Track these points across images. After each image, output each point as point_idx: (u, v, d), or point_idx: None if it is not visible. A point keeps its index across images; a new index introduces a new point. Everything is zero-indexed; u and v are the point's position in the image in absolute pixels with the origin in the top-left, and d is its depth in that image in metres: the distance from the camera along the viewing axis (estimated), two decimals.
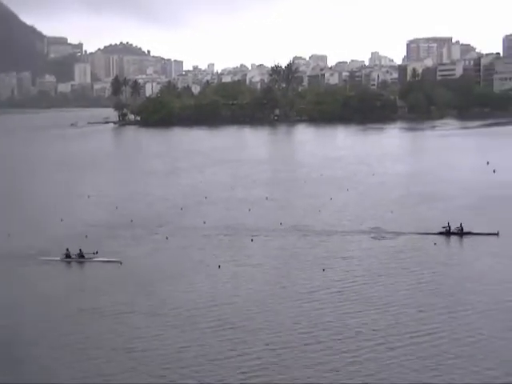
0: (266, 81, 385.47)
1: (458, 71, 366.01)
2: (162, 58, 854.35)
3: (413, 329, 37.21)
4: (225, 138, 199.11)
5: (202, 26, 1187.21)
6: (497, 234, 59.13)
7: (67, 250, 54.12)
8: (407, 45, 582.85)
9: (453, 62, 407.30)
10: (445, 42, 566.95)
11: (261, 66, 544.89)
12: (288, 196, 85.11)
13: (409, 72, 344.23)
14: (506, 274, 47.95)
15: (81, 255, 53.72)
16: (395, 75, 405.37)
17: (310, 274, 48.62)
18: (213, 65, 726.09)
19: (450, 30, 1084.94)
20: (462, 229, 60.03)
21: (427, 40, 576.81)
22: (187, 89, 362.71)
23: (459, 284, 45.54)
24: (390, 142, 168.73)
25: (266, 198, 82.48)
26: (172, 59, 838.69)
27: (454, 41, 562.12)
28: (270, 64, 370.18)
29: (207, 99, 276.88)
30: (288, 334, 36.83)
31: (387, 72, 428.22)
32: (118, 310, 41.79)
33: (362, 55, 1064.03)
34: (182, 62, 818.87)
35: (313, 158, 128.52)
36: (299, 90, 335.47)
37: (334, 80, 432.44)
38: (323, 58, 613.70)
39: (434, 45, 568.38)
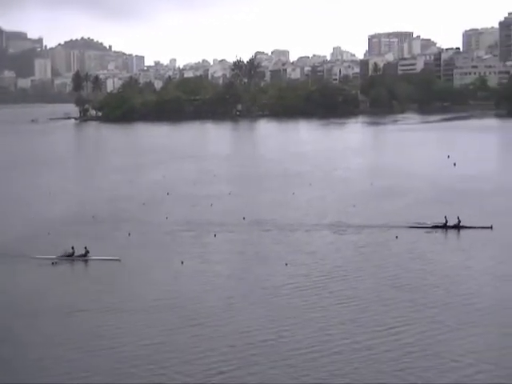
0: (228, 76, 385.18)
1: (419, 66, 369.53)
2: (124, 54, 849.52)
3: (377, 323, 37.13)
4: (187, 133, 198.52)
5: (164, 22, 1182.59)
6: (490, 228, 59.22)
7: (72, 248, 52.76)
8: (369, 40, 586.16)
9: (414, 57, 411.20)
10: (406, 36, 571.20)
11: (223, 61, 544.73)
12: (251, 191, 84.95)
13: (370, 67, 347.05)
14: (468, 266, 48.34)
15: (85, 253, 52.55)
16: (357, 70, 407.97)
17: (273, 269, 48.41)
18: (175, 60, 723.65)
19: (410, 25, 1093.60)
20: (460, 222, 59.90)
21: (388, 35, 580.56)
22: (149, 84, 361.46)
23: (422, 277, 45.65)
24: (352, 137, 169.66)
25: (229, 194, 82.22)
26: (134, 54, 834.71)
27: (414, 36, 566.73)
28: (231, 59, 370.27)
29: (169, 95, 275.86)
30: (252, 330, 36.58)
31: (349, 67, 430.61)
32: (77, 308, 41.18)
33: (323, 50, 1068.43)
34: (143, 58, 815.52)
35: (275, 153, 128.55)
36: (261, 85, 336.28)
37: (296, 75, 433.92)
38: (285, 53, 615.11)
39: (395, 40, 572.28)
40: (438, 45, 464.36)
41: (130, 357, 33.50)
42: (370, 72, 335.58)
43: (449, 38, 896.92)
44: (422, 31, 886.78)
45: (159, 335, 36.28)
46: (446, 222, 60.16)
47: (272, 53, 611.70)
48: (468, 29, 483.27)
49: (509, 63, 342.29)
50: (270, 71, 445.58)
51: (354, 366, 31.83)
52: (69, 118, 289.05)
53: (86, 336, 36.44)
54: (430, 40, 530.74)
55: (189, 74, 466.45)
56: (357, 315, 38.45)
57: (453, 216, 60.56)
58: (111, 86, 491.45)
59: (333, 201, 75.38)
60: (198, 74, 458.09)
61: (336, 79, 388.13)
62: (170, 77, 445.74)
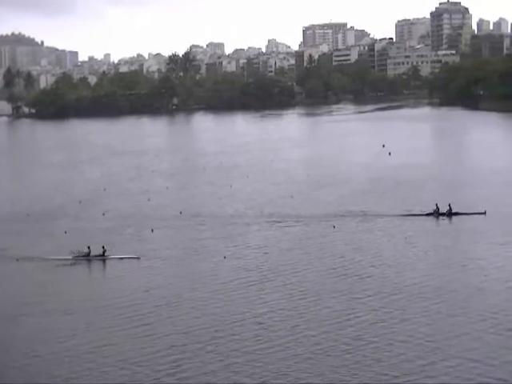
0: (163, 70, 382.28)
1: (353, 57, 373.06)
2: (57, 49, 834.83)
3: (320, 316, 37.12)
4: (123, 128, 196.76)
5: (97, 16, 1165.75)
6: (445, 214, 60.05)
7: (88, 247, 51.44)
8: (303, 31, 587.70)
9: (348, 48, 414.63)
10: (340, 28, 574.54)
11: (158, 55, 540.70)
12: (188, 185, 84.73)
13: (305, 58, 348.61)
14: (409, 254, 49.07)
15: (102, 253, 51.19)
16: (292, 61, 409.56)
17: (212, 263, 48.40)
18: (109, 55, 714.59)
19: (344, 16, 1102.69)
20: (451, 209, 60.35)
21: (323, 26, 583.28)
22: (83, 80, 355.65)
23: (362, 267, 46.01)
24: (288, 128, 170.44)
25: (167, 188, 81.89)
26: (67, 50, 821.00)
27: (348, 27, 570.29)
28: (167, 53, 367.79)
29: (104, 90, 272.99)
30: (192, 328, 36.10)
31: (284, 58, 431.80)
32: (16, 311, 40.45)
33: (259, 42, 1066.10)
34: (77, 53, 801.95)
35: (212, 146, 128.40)
36: (197, 78, 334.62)
37: (231, 67, 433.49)
38: (220, 46, 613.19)
39: (330, 31, 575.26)
40: (371, 35, 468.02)
41: (66, 361, 33.15)
42: (305, 63, 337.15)
43: (382, 29, 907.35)
44: (355, 22, 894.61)
45: (102, 338, 35.55)
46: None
47: (207, 46, 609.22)
48: (400, 19, 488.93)
49: (440, 52, 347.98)
50: (206, 64, 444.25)
51: (296, 361, 31.47)
52: (0, 115, 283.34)
53: (29, 339, 35.94)
54: (363, 31, 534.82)
55: (124, 69, 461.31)
56: (299, 308, 38.34)
57: (397, 205, 61.34)
58: (44, 82, 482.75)
59: (270, 192, 75.63)
60: (133, 68, 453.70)
61: (272, 71, 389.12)
62: (104, 72, 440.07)
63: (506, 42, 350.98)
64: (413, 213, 60.92)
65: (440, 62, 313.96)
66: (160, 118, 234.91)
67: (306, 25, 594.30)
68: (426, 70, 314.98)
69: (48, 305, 40.88)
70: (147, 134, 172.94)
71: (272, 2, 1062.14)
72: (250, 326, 35.94)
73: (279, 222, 60.51)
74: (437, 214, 60.23)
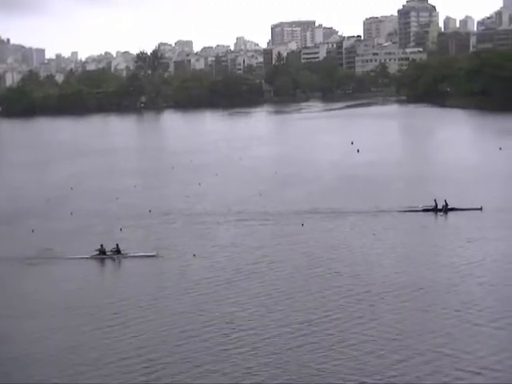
0: (131, 68, 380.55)
1: (322, 54, 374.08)
2: (23, 47, 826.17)
3: (292, 314, 37.02)
4: (91, 127, 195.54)
5: (64, 13, 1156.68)
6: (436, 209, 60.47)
7: (101, 245, 50.99)
8: (272, 29, 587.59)
9: (316, 46, 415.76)
10: (308, 25, 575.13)
11: (126, 53, 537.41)
12: (157, 183, 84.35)
13: (274, 56, 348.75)
14: (378, 251, 49.27)
15: (117, 251, 50.67)
16: (261, 59, 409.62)
17: (182, 262, 48.23)
18: (76, 53, 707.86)
19: (312, 13, 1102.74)
20: (447, 205, 60.59)
21: (291, 24, 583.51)
22: (50, 78, 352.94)
23: (329, 265, 46.08)
24: (257, 126, 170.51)
25: (135, 187, 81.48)
26: (33, 47, 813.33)
27: (317, 24, 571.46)
28: (135, 51, 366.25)
29: (71, 88, 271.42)
30: (160, 329, 35.83)
31: (253, 56, 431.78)
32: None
33: (227, 40, 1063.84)
34: (44, 51, 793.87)
35: (181, 145, 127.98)
36: (165, 76, 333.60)
37: (200, 65, 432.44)
38: (189, 44, 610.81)
39: (298, 29, 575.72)
40: (339, 33, 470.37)
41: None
42: (274, 61, 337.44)
43: (350, 27, 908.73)
44: (324, 20, 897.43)
45: (69, 339, 35.29)
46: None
47: (175, 44, 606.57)
48: (368, 17, 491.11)
49: (408, 50, 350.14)
50: (174, 62, 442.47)
51: (266, 360, 31.28)
52: None
53: None
54: (331, 28, 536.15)
55: (91, 67, 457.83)
56: (268, 307, 38.18)
57: (370, 202, 61.49)
58: (10, 80, 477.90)
59: (239, 190, 75.52)
60: (101, 66, 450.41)
61: (240, 69, 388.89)
62: (71, 70, 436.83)
63: (473, 40, 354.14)
64: (382, 209, 61.27)
65: (407, 59, 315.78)
66: (128, 116, 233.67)
67: (275, 22, 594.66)
68: (393, 68, 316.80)
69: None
70: (115, 132, 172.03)
71: (240, 0, 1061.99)
72: (219, 325, 35.74)
73: (248, 220, 60.44)
74: (435, 209, 60.60)
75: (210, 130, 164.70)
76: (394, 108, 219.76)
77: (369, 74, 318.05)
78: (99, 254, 50.40)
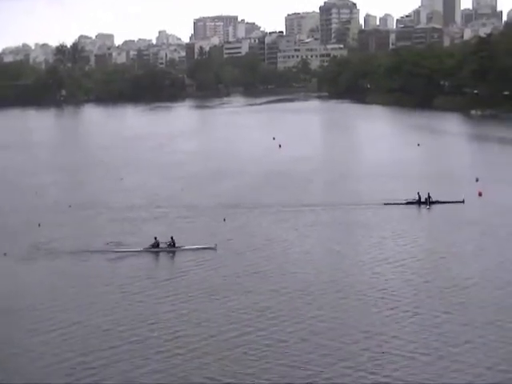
0: (50, 61, 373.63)
1: (244, 49, 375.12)
2: None
3: (217, 315, 36.69)
4: (7, 121, 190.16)
5: None
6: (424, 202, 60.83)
7: (155, 238, 49.09)
8: (194, 23, 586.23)
9: (238, 41, 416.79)
10: (231, 20, 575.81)
11: (45, 45, 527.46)
12: (76, 179, 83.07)
13: (196, 50, 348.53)
14: (307, 246, 49.58)
15: (171, 244, 48.95)
16: (183, 54, 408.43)
17: (103, 260, 47.51)
18: None
19: (235, 8, 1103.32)
20: (430, 198, 60.94)
21: (213, 19, 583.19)
22: None
23: (256, 261, 46.25)
24: (179, 121, 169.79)
25: (54, 182, 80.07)
26: None
27: (239, 20, 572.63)
28: (54, 43, 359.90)
29: None
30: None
31: (175, 50, 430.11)
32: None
33: (149, 34, 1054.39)
34: None
35: (102, 140, 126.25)
36: (86, 69, 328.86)
37: (121, 59, 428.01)
38: (110, 37, 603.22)
39: (221, 23, 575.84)
40: (261, 29, 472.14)
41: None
42: (196, 56, 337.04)
43: (272, 22, 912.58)
44: (246, 15, 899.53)
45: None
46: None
47: (96, 37, 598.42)
48: (290, 13, 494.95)
49: (329, 46, 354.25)
50: (95, 55, 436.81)
51: (199, 362, 30.59)
52: None
53: None
54: (254, 24, 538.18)
55: (8, 59, 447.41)
56: (191, 308, 37.56)
57: (297, 198, 61.67)
58: None
59: (160, 186, 74.93)
60: (19, 58, 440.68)
61: (162, 63, 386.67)
62: None
63: (392, 37, 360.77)
64: (304, 204, 61.79)
65: (329, 55, 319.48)
66: (47, 110, 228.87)
67: (197, 17, 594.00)
68: (315, 64, 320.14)
69: None
70: (33, 126, 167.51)
71: None
72: (139, 330, 34.44)
73: (168, 215, 60.06)
74: (420, 202, 61.26)
75: (132, 124, 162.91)
76: (315, 104, 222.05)
77: (291, 70, 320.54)
78: (154, 247, 49.14)
